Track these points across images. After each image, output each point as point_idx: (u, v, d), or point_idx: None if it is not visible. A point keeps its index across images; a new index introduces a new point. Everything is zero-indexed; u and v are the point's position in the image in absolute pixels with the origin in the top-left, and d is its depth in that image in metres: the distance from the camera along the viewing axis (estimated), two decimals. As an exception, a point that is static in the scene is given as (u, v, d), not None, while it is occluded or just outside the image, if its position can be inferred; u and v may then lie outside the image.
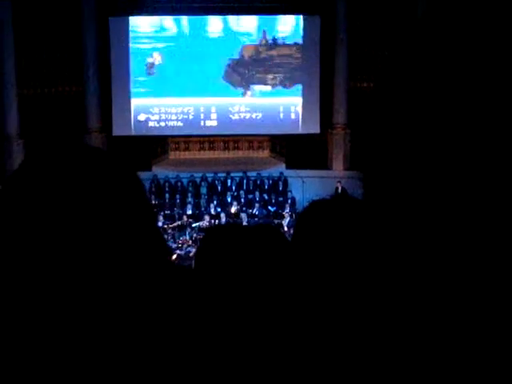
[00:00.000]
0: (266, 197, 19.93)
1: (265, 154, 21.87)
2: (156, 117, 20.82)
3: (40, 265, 1.08)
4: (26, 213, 1.09)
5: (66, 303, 1.09)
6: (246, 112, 20.95)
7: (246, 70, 20.87)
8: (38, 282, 1.08)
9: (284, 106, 20.99)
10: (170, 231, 17.64)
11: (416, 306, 0.87)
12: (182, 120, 20.83)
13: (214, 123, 20.97)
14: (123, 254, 1.11)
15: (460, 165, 0.81)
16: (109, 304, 1.11)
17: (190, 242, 17.04)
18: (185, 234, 17.60)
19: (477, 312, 0.83)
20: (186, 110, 20.80)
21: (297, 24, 20.71)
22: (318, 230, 1.84)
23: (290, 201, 19.35)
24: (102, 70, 20.51)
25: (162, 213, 18.37)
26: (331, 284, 1.72)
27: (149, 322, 1.14)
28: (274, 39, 20.75)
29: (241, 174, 20.37)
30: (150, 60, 20.67)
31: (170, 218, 18.51)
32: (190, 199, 19.45)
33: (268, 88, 20.97)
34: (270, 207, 19.59)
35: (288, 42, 20.80)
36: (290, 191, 19.90)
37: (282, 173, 20.59)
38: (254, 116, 21.00)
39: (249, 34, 20.74)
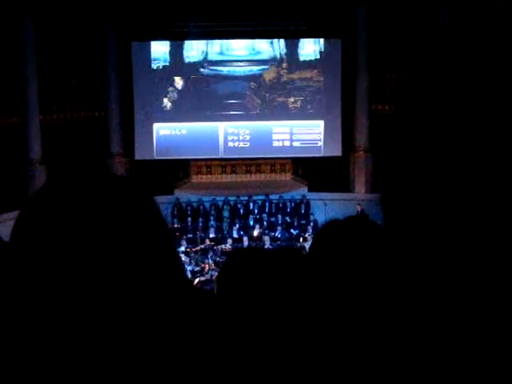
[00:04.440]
0: (289, 220, 19.92)
1: (287, 176, 21.89)
2: (178, 140, 20.89)
3: (56, 287, 1.08)
4: (44, 235, 1.09)
5: (77, 330, 1.09)
6: (268, 135, 20.98)
7: (267, 93, 20.94)
8: (52, 308, 1.08)
9: (306, 129, 21.00)
10: (192, 255, 17.65)
11: (427, 326, 0.86)
12: (204, 143, 20.88)
13: (236, 147, 21.02)
14: (140, 280, 1.10)
15: (482, 190, 0.79)
16: (123, 331, 1.10)
17: (213, 265, 17.03)
18: (207, 258, 17.60)
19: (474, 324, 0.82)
20: (207, 133, 20.87)
21: (318, 47, 20.78)
22: (332, 249, 1.84)
23: (312, 223, 19.31)
24: (125, 94, 20.67)
25: (184, 236, 18.40)
26: (345, 303, 1.71)
27: (166, 347, 1.13)
28: (296, 62, 20.83)
29: (263, 197, 20.40)
30: (172, 84, 20.80)
31: (192, 242, 18.53)
32: (212, 223, 19.48)
33: (290, 111, 21.01)
34: (292, 230, 19.56)
35: (309, 66, 20.86)
36: (312, 214, 19.87)
37: (304, 196, 20.60)
38: (276, 139, 21.03)
39: (270, 57, 20.83)
